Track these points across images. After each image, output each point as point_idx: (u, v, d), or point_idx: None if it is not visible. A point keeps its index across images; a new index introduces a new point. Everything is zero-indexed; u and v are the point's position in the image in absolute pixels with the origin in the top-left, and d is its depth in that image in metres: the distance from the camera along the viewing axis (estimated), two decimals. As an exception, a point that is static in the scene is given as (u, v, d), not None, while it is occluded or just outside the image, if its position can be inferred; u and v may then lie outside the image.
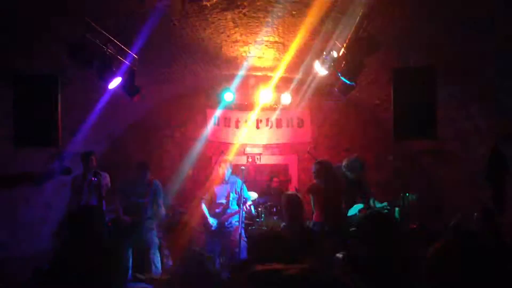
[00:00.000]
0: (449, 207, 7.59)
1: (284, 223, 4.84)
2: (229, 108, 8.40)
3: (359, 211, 6.21)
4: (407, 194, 6.08)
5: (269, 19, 5.10)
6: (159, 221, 6.96)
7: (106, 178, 6.57)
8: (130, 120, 8.53)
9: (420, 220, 6.83)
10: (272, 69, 7.42)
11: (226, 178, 6.86)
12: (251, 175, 8.58)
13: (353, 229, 5.02)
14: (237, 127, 8.65)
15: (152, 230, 6.67)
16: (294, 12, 4.83)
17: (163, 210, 6.63)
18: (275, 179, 8.24)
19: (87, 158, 6.43)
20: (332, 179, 5.96)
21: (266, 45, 6.16)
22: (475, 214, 4.84)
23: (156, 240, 6.70)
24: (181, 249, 6.32)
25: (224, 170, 6.85)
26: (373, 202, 6.42)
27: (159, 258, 6.64)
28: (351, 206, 6.28)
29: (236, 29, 5.46)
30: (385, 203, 6.36)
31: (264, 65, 7.29)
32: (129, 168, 7.50)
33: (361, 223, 3.20)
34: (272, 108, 8.49)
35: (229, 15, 4.98)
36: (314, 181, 6.09)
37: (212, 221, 6.70)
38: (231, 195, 6.82)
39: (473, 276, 1.61)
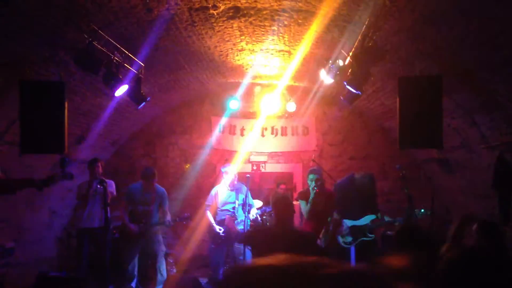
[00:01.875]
0: (456, 216, 7.54)
1: (270, 223, 4.83)
2: (234, 116, 8.41)
3: (371, 221, 6.17)
4: (422, 210, 6.04)
5: (275, 28, 5.11)
6: (166, 227, 6.96)
7: (112, 186, 6.57)
8: (135, 127, 8.55)
9: (427, 228, 6.77)
10: (277, 77, 7.43)
11: (233, 185, 6.88)
12: (256, 183, 8.57)
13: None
14: (242, 135, 8.65)
15: (159, 238, 6.66)
16: (300, 21, 4.84)
17: (169, 216, 6.63)
18: (282, 186, 8.15)
19: (93, 165, 6.46)
20: (322, 189, 6.30)
21: (272, 54, 6.17)
22: (474, 226, 4.64)
23: (163, 248, 6.70)
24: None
25: (231, 177, 6.87)
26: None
27: (164, 266, 6.64)
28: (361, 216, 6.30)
29: (242, 37, 5.47)
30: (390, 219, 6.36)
31: (269, 73, 7.31)
32: (134, 175, 7.51)
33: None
34: (277, 116, 8.50)
35: (235, 24, 5.00)
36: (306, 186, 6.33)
37: (218, 228, 6.70)
38: (237, 202, 6.82)
39: None
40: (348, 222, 6.23)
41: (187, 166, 8.60)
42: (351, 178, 6.61)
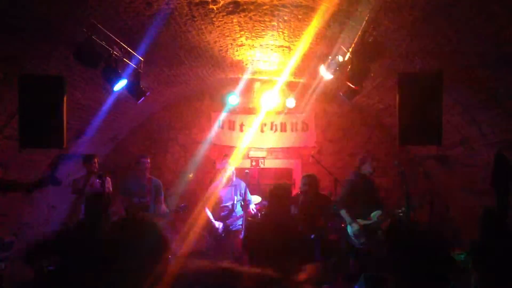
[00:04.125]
0: (454, 213, 7.55)
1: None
2: (233, 111, 8.40)
3: (378, 217, 6.11)
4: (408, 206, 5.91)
5: (275, 23, 5.09)
6: (162, 219, 6.95)
7: (108, 182, 6.55)
8: (134, 122, 8.54)
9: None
10: (277, 73, 7.42)
11: (231, 182, 6.87)
12: (255, 179, 8.58)
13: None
14: (241, 130, 8.65)
15: None
16: (300, 16, 4.83)
17: (165, 208, 6.62)
18: None
19: (91, 161, 6.43)
20: (314, 194, 6.31)
21: (272, 49, 6.16)
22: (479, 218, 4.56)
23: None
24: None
25: (229, 173, 6.87)
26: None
27: None
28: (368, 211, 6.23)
29: (242, 32, 5.46)
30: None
31: (269, 69, 7.29)
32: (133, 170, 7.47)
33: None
34: (276, 112, 8.50)
35: (235, 19, 4.98)
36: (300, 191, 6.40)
37: (218, 224, 6.70)
38: (236, 198, 6.82)
39: None
40: (360, 222, 6.12)
41: (191, 175, 8.57)
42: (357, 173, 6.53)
